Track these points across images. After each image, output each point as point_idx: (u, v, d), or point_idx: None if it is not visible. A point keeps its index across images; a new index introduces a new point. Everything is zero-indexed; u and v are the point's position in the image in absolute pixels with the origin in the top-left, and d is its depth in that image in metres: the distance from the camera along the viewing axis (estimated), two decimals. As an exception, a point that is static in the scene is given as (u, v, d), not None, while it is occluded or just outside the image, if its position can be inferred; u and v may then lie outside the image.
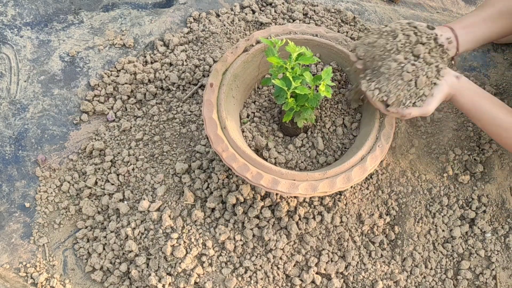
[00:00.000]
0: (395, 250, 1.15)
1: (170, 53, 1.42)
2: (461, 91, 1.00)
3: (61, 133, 1.30)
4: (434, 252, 1.15)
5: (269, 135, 1.18)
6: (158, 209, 1.14)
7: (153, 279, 1.06)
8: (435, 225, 1.17)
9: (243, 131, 1.17)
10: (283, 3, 1.53)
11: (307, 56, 0.96)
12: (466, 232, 1.17)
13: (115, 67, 1.39)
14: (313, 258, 1.11)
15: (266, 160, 1.11)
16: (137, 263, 1.09)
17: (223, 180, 1.15)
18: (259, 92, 1.26)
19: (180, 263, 1.07)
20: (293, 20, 1.48)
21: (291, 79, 0.94)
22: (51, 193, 1.21)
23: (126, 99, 1.34)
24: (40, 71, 1.38)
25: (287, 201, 1.12)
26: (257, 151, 1.14)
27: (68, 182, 1.22)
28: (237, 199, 1.11)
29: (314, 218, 1.13)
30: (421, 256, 1.14)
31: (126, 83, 1.35)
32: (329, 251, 1.12)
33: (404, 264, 1.14)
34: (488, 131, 1.05)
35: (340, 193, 1.15)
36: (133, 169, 1.21)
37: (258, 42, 1.14)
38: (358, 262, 1.12)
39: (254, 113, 1.22)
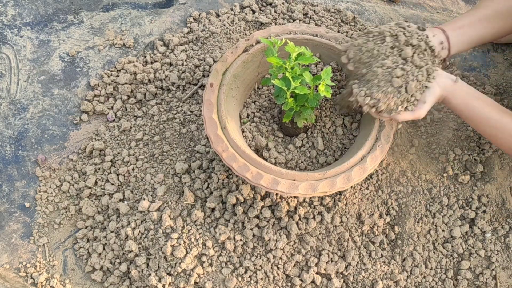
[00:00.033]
0: (395, 250, 1.15)
1: (170, 53, 1.42)
2: (453, 93, 0.99)
3: (61, 133, 1.30)
4: (434, 252, 1.15)
5: (269, 135, 1.18)
6: (158, 209, 1.14)
7: (153, 279, 1.06)
8: (435, 225, 1.17)
9: (243, 131, 1.17)
10: (283, 3, 1.53)
11: (306, 56, 0.96)
12: (466, 232, 1.17)
13: (115, 67, 1.39)
14: (313, 258, 1.11)
15: (266, 160, 1.11)
16: (137, 263, 1.09)
17: (223, 180, 1.15)
18: (259, 92, 1.26)
19: (180, 263, 1.07)
20: (293, 20, 1.48)
21: (290, 79, 0.94)
22: (51, 193, 1.21)
23: (126, 99, 1.34)
24: (40, 71, 1.38)
25: (287, 201, 1.12)
26: (257, 151, 1.14)
27: (68, 182, 1.22)
28: (237, 199, 1.11)
29: (314, 218, 1.13)
30: (421, 256, 1.14)
31: (126, 83, 1.35)
32: (329, 251, 1.12)
33: (404, 264, 1.14)
34: (483, 133, 1.04)
35: (340, 193, 1.15)
36: (133, 169, 1.21)
37: (258, 42, 1.14)
38: (358, 262, 1.12)
39: (254, 113, 1.22)
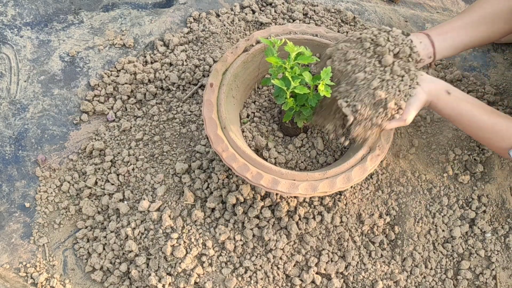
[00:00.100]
0: (395, 250, 1.15)
1: (170, 53, 1.42)
2: (439, 97, 0.98)
3: (61, 133, 1.30)
4: (434, 252, 1.15)
5: (269, 135, 1.19)
6: (158, 209, 1.14)
7: (153, 279, 1.06)
8: (435, 225, 1.17)
9: (243, 131, 1.17)
10: (283, 3, 1.53)
11: (306, 55, 0.96)
12: (466, 232, 1.17)
13: (115, 67, 1.39)
14: (313, 258, 1.11)
15: (266, 160, 1.11)
16: (137, 263, 1.09)
17: (223, 180, 1.15)
18: (259, 92, 1.26)
19: (180, 263, 1.07)
20: (293, 20, 1.48)
21: (290, 79, 0.94)
22: (51, 193, 1.21)
23: (126, 99, 1.34)
24: (40, 71, 1.38)
25: (287, 201, 1.12)
26: (257, 151, 1.14)
27: (68, 182, 1.22)
28: (237, 199, 1.11)
29: (314, 218, 1.13)
30: (421, 256, 1.14)
31: (126, 83, 1.35)
32: (329, 251, 1.12)
33: (404, 264, 1.14)
34: (472, 134, 1.03)
35: (340, 193, 1.15)
36: (133, 169, 1.21)
37: (258, 42, 1.14)
38: (358, 262, 1.12)
39: (254, 113, 1.22)
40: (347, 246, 1.13)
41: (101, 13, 1.50)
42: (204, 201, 1.15)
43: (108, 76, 1.38)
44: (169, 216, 1.11)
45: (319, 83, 0.94)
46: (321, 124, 1.07)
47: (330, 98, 0.99)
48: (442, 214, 1.18)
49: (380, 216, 1.16)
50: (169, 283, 1.07)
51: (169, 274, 1.08)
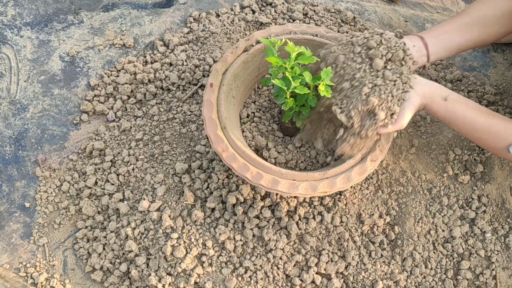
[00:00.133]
0: (395, 250, 1.15)
1: (170, 53, 1.42)
2: (433, 99, 0.97)
3: (61, 133, 1.30)
4: (434, 252, 1.15)
5: (269, 135, 1.19)
6: (158, 209, 1.14)
7: (153, 279, 1.06)
8: (435, 225, 1.17)
9: (243, 131, 1.17)
10: (283, 3, 1.53)
11: (306, 55, 0.96)
12: (466, 232, 1.17)
13: (115, 67, 1.39)
14: (313, 258, 1.11)
15: (266, 160, 1.11)
16: (137, 263, 1.09)
17: (223, 180, 1.15)
18: (259, 92, 1.26)
19: (180, 263, 1.07)
20: (293, 20, 1.48)
21: (290, 79, 0.94)
22: (51, 193, 1.21)
23: (126, 99, 1.34)
24: (40, 71, 1.38)
25: (287, 201, 1.12)
26: (257, 151, 1.14)
27: (68, 182, 1.22)
28: (237, 199, 1.11)
29: (314, 218, 1.13)
30: (421, 256, 1.14)
31: (126, 83, 1.35)
32: (329, 251, 1.12)
33: (404, 264, 1.14)
34: (468, 135, 1.02)
35: (340, 193, 1.15)
36: (133, 169, 1.21)
37: (258, 42, 1.14)
38: (358, 262, 1.12)
39: (254, 113, 1.22)
40: (347, 246, 1.13)
41: (101, 13, 1.50)
42: (204, 201, 1.15)
43: (108, 76, 1.38)
44: (169, 216, 1.11)
45: (319, 84, 0.94)
46: (311, 136, 1.08)
47: (322, 106, 0.99)
48: (442, 214, 1.18)
49: (380, 216, 1.16)
50: (169, 283, 1.07)
51: (169, 274, 1.08)
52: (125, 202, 1.17)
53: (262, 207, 1.12)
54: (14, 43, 1.41)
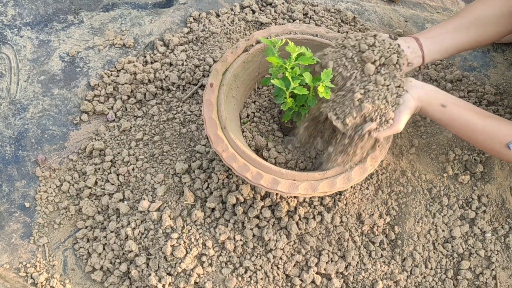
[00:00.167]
0: (395, 250, 1.15)
1: (170, 53, 1.42)
2: (429, 102, 0.97)
3: (61, 133, 1.30)
4: (434, 252, 1.15)
5: (269, 135, 1.19)
6: (158, 209, 1.14)
7: (153, 279, 1.06)
8: (435, 225, 1.17)
9: (243, 131, 1.17)
10: (283, 3, 1.53)
11: (307, 56, 0.96)
12: (466, 232, 1.17)
13: (115, 67, 1.39)
14: (313, 258, 1.11)
15: (266, 160, 1.11)
16: (137, 263, 1.09)
17: (223, 180, 1.15)
18: (259, 92, 1.26)
19: (180, 263, 1.07)
20: (293, 20, 1.48)
21: (290, 79, 0.94)
22: (51, 193, 1.21)
23: (126, 99, 1.34)
24: (40, 71, 1.38)
25: (287, 201, 1.12)
26: (257, 151, 1.14)
27: (68, 182, 1.22)
28: (237, 199, 1.11)
29: (314, 218, 1.13)
30: (421, 256, 1.14)
31: (126, 83, 1.35)
32: (329, 251, 1.12)
33: (404, 264, 1.14)
34: (465, 137, 1.02)
35: (340, 193, 1.15)
36: (133, 169, 1.21)
37: (258, 42, 1.14)
38: (358, 262, 1.12)
39: (254, 113, 1.22)
40: (347, 246, 1.13)
41: (101, 13, 1.50)
42: (204, 201, 1.15)
43: (108, 76, 1.38)
44: (169, 216, 1.11)
45: (319, 85, 0.93)
46: (305, 140, 1.08)
47: (317, 111, 0.99)
48: (442, 214, 1.18)
49: (380, 216, 1.16)
50: (169, 283, 1.07)
51: (169, 274, 1.08)
52: (125, 202, 1.17)
53: (262, 207, 1.12)
54: (14, 43, 1.41)
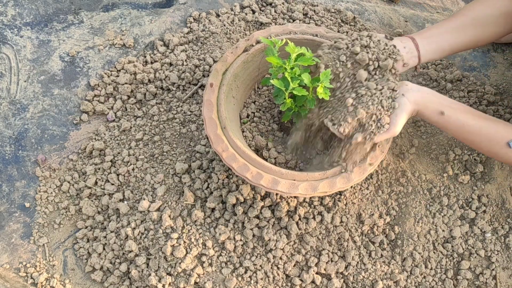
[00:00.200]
0: (395, 250, 1.15)
1: (170, 53, 1.42)
2: (425, 105, 0.97)
3: (61, 133, 1.30)
4: (434, 252, 1.15)
5: (269, 135, 1.19)
6: (158, 209, 1.14)
7: (153, 279, 1.06)
8: (435, 225, 1.17)
9: (243, 131, 1.17)
10: (283, 3, 1.53)
11: (306, 57, 0.96)
12: (466, 232, 1.17)
13: (115, 67, 1.39)
14: (313, 258, 1.11)
15: (266, 160, 1.11)
16: (137, 263, 1.09)
17: (223, 180, 1.15)
18: (259, 92, 1.26)
19: (180, 263, 1.07)
20: (293, 20, 1.48)
21: (289, 79, 0.94)
22: (51, 193, 1.21)
23: (126, 99, 1.34)
24: (40, 71, 1.38)
25: (287, 201, 1.12)
26: (257, 151, 1.14)
27: (68, 182, 1.22)
28: (237, 199, 1.11)
29: (314, 218, 1.13)
30: (421, 256, 1.14)
31: (126, 83, 1.35)
32: (329, 251, 1.12)
33: (404, 264, 1.14)
34: (462, 139, 1.02)
35: (340, 193, 1.15)
36: (133, 169, 1.21)
37: (258, 42, 1.14)
38: (358, 262, 1.12)
39: (254, 113, 1.22)
40: (347, 246, 1.13)
41: (101, 13, 1.50)
42: (204, 201, 1.15)
43: (108, 76, 1.38)
44: (169, 216, 1.11)
45: (318, 85, 0.93)
46: (302, 144, 1.09)
47: (310, 119, 1.00)
48: (442, 214, 1.18)
49: (380, 216, 1.16)
50: (169, 283, 1.07)
51: (169, 274, 1.08)
52: (125, 202, 1.17)
53: (262, 207, 1.12)
54: (14, 43, 1.41)
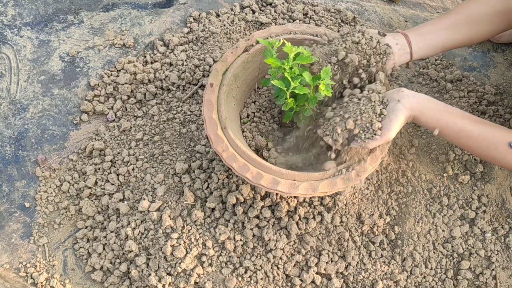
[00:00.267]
0: (395, 250, 1.15)
1: (170, 53, 1.42)
2: (421, 111, 0.97)
3: (61, 133, 1.30)
4: (434, 252, 1.15)
5: (269, 135, 1.19)
6: (158, 209, 1.14)
7: (153, 279, 1.06)
8: (435, 225, 1.17)
9: (243, 131, 1.17)
10: (283, 3, 1.53)
11: (304, 55, 0.96)
12: (466, 232, 1.17)
13: (115, 67, 1.39)
14: (313, 258, 1.11)
15: (266, 160, 1.11)
16: (137, 263, 1.09)
17: (223, 180, 1.15)
18: (259, 92, 1.26)
19: (180, 263, 1.07)
20: (293, 20, 1.48)
21: (290, 79, 0.94)
22: (51, 193, 1.21)
23: (126, 99, 1.34)
24: (40, 71, 1.38)
25: (287, 201, 1.12)
26: (257, 151, 1.14)
27: (68, 182, 1.22)
28: (237, 199, 1.11)
29: (314, 218, 1.13)
30: (421, 256, 1.14)
31: (126, 83, 1.35)
32: (329, 251, 1.12)
33: (404, 264, 1.14)
34: (459, 144, 1.02)
35: (340, 193, 1.15)
36: (133, 169, 1.21)
37: (258, 42, 1.14)
38: (358, 262, 1.12)
39: (254, 113, 1.22)
40: (347, 246, 1.13)
41: (101, 13, 1.50)
42: (204, 201, 1.15)
43: (108, 76, 1.38)
44: (169, 216, 1.11)
45: (319, 83, 0.94)
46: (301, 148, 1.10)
47: (305, 129, 1.02)
48: (442, 214, 1.18)
49: (380, 216, 1.16)
50: (169, 283, 1.07)
51: (169, 274, 1.08)
52: (125, 202, 1.17)
53: (262, 207, 1.12)
54: (14, 43, 1.41)
